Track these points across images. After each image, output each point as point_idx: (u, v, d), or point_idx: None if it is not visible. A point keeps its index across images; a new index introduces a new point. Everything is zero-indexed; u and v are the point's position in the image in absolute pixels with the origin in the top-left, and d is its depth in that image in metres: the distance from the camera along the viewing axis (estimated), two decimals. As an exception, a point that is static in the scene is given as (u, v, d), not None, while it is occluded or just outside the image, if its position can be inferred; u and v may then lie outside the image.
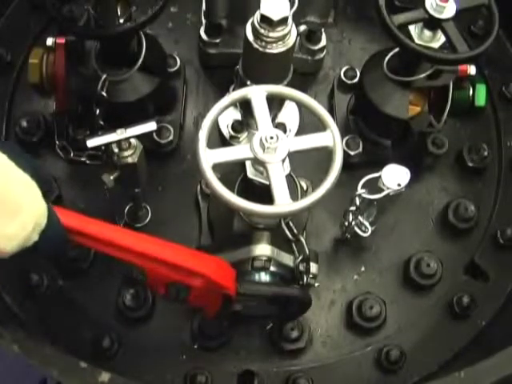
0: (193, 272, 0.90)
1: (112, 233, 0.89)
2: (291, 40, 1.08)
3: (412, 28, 1.12)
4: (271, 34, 1.06)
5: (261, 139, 0.92)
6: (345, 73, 1.31)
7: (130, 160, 1.00)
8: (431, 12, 1.06)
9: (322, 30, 1.30)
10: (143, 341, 1.16)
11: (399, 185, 1.04)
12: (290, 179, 0.99)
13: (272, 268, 1.06)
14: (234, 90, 1.24)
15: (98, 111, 1.13)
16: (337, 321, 1.20)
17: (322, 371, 1.16)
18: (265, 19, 1.04)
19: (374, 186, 1.06)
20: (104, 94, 1.12)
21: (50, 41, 1.14)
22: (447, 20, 1.06)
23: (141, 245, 0.89)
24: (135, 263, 0.90)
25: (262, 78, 1.08)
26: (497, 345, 0.93)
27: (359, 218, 1.14)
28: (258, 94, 0.97)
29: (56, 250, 0.84)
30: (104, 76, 1.12)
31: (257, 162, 0.95)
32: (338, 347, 1.19)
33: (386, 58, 1.17)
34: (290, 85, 1.13)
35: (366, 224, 1.14)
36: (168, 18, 1.38)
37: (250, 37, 1.08)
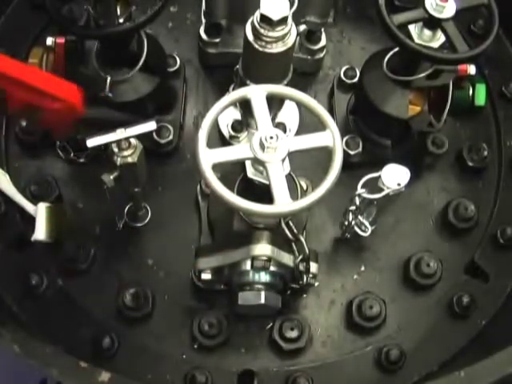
0: (45, 92, 0.98)
1: None
2: (291, 40, 1.08)
3: (412, 27, 1.12)
4: (271, 34, 1.06)
5: (261, 139, 0.92)
6: (345, 72, 1.31)
7: (129, 160, 1.00)
8: (431, 11, 1.06)
9: (322, 29, 1.30)
10: (143, 341, 1.16)
11: (399, 184, 1.04)
12: (289, 179, 0.99)
13: (272, 268, 1.06)
14: (233, 89, 1.24)
15: None
16: (337, 320, 1.20)
17: (321, 371, 1.16)
18: (265, 19, 1.04)
19: (373, 185, 1.06)
20: (110, 95, 1.12)
21: (49, 40, 1.14)
22: (447, 19, 1.06)
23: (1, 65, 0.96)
24: None
25: (261, 78, 1.08)
26: (497, 345, 0.93)
27: (359, 217, 1.14)
28: (257, 93, 0.97)
29: None
30: (109, 77, 1.12)
31: (257, 161, 0.94)
32: (337, 347, 1.19)
33: (386, 58, 1.17)
34: (289, 84, 1.13)
35: (366, 224, 1.14)
36: (168, 17, 1.38)
37: (250, 36, 1.08)
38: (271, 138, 0.92)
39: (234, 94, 0.98)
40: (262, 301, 1.06)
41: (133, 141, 1.01)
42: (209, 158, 0.92)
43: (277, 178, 0.92)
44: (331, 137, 0.94)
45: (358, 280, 1.23)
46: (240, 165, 1.04)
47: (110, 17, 1.08)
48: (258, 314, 1.14)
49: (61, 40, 1.13)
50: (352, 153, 1.25)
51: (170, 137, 1.25)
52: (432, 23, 1.08)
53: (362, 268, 1.23)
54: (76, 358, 0.85)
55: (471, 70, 1.17)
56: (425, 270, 1.20)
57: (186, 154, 1.28)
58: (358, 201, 1.09)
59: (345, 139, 1.25)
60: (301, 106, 1.02)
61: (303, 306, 1.20)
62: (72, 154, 1.24)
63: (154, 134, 1.22)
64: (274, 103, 1.19)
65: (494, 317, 1.20)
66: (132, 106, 1.17)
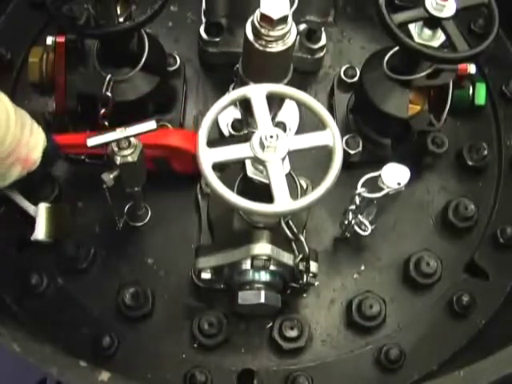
0: (162, 146, 1.15)
1: None
2: (291, 39, 1.08)
3: (412, 27, 1.12)
4: (271, 33, 1.06)
5: (261, 138, 0.92)
6: (345, 72, 1.31)
7: (129, 159, 1.00)
8: (431, 11, 1.06)
9: (322, 28, 1.30)
10: (143, 340, 1.16)
11: (399, 184, 1.04)
12: (289, 178, 0.99)
13: (272, 267, 1.06)
14: (233, 88, 1.24)
15: (103, 111, 1.14)
16: (336, 320, 1.20)
17: (321, 370, 1.16)
18: (265, 18, 1.04)
19: (373, 184, 1.06)
20: (109, 94, 1.12)
21: (49, 40, 1.14)
22: (447, 19, 1.06)
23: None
24: None
25: (261, 77, 1.08)
26: (496, 344, 0.93)
27: (359, 216, 1.14)
28: (257, 92, 0.97)
29: (56, 156, 1.12)
30: (109, 77, 1.12)
31: (257, 160, 0.94)
32: (337, 346, 1.19)
33: (386, 57, 1.17)
34: (290, 84, 1.13)
35: (366, 223, 1.14)
36: (168, 16, 1.38)
37: (250, 36, 1.08)
38: (271, 137, 0.92)
39: (234, 94, 0.97)
40: (262, 300, 1.06)
41: (133, 140, 1.01)
42: (209, 157, 0.92)
43: (277, 177, 0.92)
44: (331, 136, 0.94)
45: (358, 279, 1.23)
46: (240, 164, 1.04)
47: (110, 16, 1.07)
48: (258, 314, 1.13)
49: (61, 39, 1.13)
50: (352, 152, 1.25)
51: (170, 136, 1.25)
52: (432, 22, 1.08)
53: (362, 267, 1.23)
54: (76, 358, 0.85)
55: (471, 69, 1.17)
56: (425, 270, 1.20)
57: (186, 153, 1.28)
58: (357, 200, 1.09)
59: (345, 138, 1.24)
60: (301, 105, 1.02)
61: (303, 306, 1.20)
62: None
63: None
64: (274, 102, 1.19)
65: (493, 316, 1.20)
66: (132, 106, 1.17)
